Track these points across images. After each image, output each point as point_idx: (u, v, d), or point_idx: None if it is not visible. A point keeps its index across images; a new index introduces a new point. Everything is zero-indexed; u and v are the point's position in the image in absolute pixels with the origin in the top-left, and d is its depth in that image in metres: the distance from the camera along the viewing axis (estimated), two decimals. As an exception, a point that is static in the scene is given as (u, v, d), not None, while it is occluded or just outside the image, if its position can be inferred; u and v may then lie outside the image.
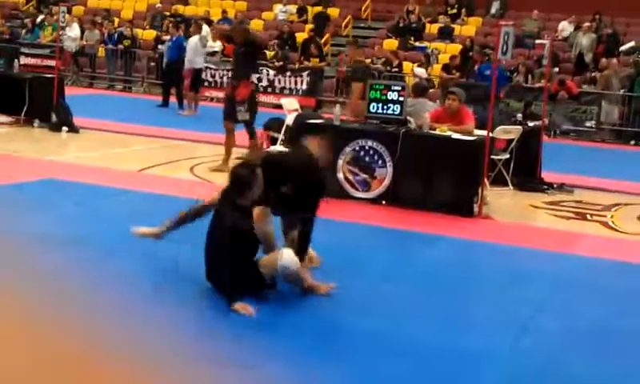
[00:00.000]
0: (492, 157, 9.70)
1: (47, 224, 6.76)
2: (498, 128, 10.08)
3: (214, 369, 4.10)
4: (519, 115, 12.53)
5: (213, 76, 20.73)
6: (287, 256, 5.16)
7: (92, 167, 10.01)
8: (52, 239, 6.23)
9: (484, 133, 9.23)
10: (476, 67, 19.05)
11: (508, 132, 10.40)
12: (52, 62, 14.58)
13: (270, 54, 21.67)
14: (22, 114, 13.17)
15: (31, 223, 6.75)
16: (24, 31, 23.14)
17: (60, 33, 15.77)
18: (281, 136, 10.60)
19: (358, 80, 11.35)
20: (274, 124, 11.70)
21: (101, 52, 22.86)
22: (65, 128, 12.89)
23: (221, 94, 20.91)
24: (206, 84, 20.19)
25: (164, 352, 4.28)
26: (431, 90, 14.83)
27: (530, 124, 11.77)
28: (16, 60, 14.27)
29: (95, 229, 5.64)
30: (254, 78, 13.09)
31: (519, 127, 10.80)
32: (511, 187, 10.56)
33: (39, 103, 13.13)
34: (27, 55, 19.27)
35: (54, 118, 13.02)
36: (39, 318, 4.56)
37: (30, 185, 8.51)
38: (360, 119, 9.68)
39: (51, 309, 4.72)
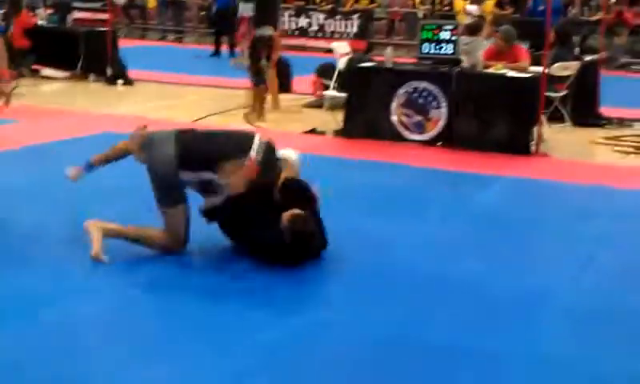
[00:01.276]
0: (548, 93, 9.53)
1: (107, 177, 6.89)
2: (555, 64, 9.88)
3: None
4: (576, 49, 12.25)
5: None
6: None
7: (148, 119, 10.11)
8: (113, 191, 6.35)
9: (539, 69, 9.08)
10: (529, 2, 18.61)
11: (566, 68, 10.18)
12: (104, 16, 14.69)
13: (319, -3, 21.51)
14: (78, 68, 13.35)
15: (90, 176, 6.89)
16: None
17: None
18: (333, 81, 10.55)
19: None
20: (326, 69, 11.65)
21: (151, 3, 22.94)
22: (120, 81, 13.04)
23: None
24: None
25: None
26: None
27: (588, 58, 11.50)
28: (69, 15, 14.43)
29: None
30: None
31: (577, 63, 10.56)
32: (569, 123, 10.38)
33: (94, 57, 13.30)
34: (79, 10, 19.48)
35: (109, 71, 13.18)
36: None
37: (88, 139, 8.65)
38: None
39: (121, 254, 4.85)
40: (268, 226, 4.88)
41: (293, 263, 4.85)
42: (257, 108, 10.37)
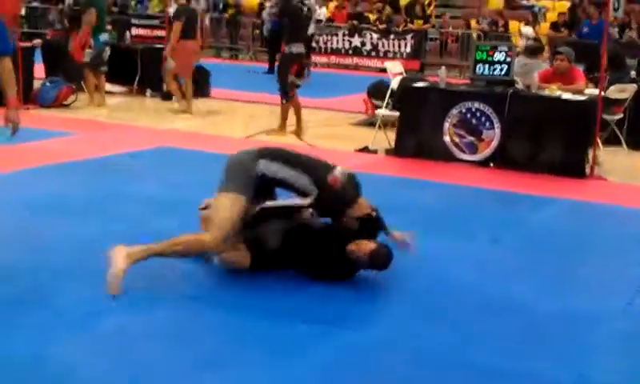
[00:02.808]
0: (604, 116, 9.42)
1: (160, 190, 7.02)
2: (612, 87, 9.77)
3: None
4: (633, 72, 12.07)
5: (317, 42, 20.75)
6: None
7: (202, 134, 10.27)
8: (165, 203, 6.46)
9: (595, 91, 8.99)
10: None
11: (622, 90, 10.06)
12: (161, 32, 14.92)
13: (372, 17, 21.56)
14: (135, 83, 13.59)
15: (145, 189, 7.03)
16: (133, 2, 23.76)
17: (168, 3, 16.14)
18: (386, 100, 10.57)
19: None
20: (377, 88, 11.68)
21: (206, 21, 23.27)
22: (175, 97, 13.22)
23: (325, 60, 21.10)
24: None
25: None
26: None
27: (645, 81, 11.33)
28: (127, 31, 14.71)
29: (204, 194, 5.83)
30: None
31: (634, 85, 10.42)
32: (625, 147, 10.24)
33: (151, 73, 13.54)
34: (137, 26, 19.81)
35: (165, 87, 13.39)
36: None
37: (145, 153, 8.81)
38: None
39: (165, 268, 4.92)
40: (331, 254, 4.89)
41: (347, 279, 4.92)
42: (282, 123, 10.49)
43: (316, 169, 4.88)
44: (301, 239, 4.98)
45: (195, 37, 12.25)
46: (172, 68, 12.00)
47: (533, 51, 10.48)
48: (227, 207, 4.65)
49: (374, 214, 4.95)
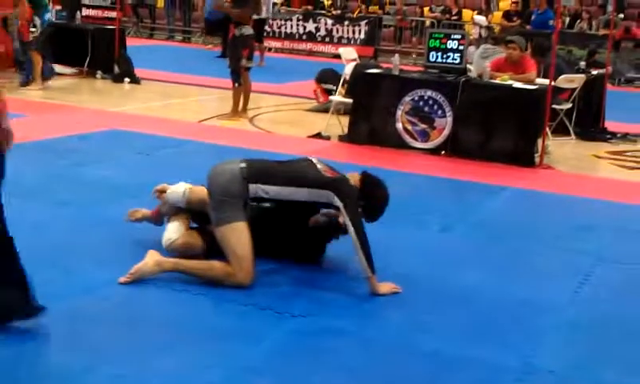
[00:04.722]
0: (554, 106, 9.56)
1: (110, 173, 6.94)
2: (560, 77, 9.92)
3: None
4: (582, 63, 12.29)
5: (271, 26, 20.64)
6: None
7: (153, 118, 10.17)
8: (116, 186, 6.40)
9: (546, 81, 9.12)
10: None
11: (571, 80, 10.22)
12: (113, 14, 14.76)
13: (327, 2, 21.53)
14: (85, 65, 13.40)
15: (95, 172, 6.94)
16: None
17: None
18: (338, 87, 10.59)
19: None
20: (327, 75, 11.70)
21: (160, 3, 23.00)
22: (127, 79, 13.08)
23: (279, 45, 21.03)
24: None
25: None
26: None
27: (594, 72, 11.54)
28: (78, 12, 14.48)
29: (156, 178, 5.78)
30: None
31: (582, 75, 10.59)
32: (573, 137, 10.41)
33: (102, 55, 13.35)
34: (88, 7, 19.53)
35: (116, 69, 13.24)
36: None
37: (95, 135, 8.70)
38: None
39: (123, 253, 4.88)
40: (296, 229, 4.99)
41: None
42: (234, 107, 10.43)
43: (307, 174, 4.76)
44: (263, 223, 4.94)
45: None
46: None
47: (499, 39, 10.67)
48: (238, 241, 4.58)
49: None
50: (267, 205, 5.00)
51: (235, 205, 4.62)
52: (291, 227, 5.06)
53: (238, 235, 4.58)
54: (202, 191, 4.93)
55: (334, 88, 10.96)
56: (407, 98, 9.03)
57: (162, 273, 4.61)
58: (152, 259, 4.62)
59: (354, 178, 4.88)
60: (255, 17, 17.19)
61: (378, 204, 4.89)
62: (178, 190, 5.07)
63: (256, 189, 4.65)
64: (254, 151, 5.61)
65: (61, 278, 4.53)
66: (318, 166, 4.84)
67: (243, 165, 4.72)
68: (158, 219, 5.24)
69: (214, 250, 4.83)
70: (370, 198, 4.85)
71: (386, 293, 4.66)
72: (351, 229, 4.60)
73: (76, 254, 4.89)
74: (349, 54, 11.71)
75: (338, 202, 4.64)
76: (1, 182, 3.74)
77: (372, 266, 4.60)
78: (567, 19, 19.57)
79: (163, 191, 5.19)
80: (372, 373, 3.73)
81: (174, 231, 4.99)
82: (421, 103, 8.97)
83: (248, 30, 10.27)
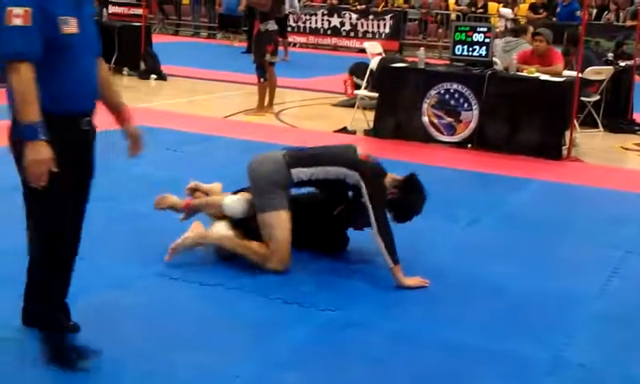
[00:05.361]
0: (582, 98, 9.49)
1: (138, 169, 6.98)
2: (588, 69, 9.83)
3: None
4: (610, 55, 12.16)
5: (296, 21, 20.64)
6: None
7: (180, 114, 10.22)
8: (145, 183, 6.43)
9: (573, 74, 9.04)
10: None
11: (598, 72, 10.13)
12: (139, 10, 14.84)
13: (352, -3, 21.49)
14: (112, 62, 13.48)
15: (122, 168, 6.98)
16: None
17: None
18: (364, 82, 10.57)
19: None
20: (360, 69, 11.67)
21: (185, -1, 23.11)
22: (153, 76, 13.16)
23: (303, 39, 21.02)
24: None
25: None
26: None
27: (622, 64, 11.42)
28: (104, 9, 14.58)
29: (183, 173, 5.81)
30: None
31: (610, 67, 10.49)
32: (601, 129, 10.32)
33: (128, 51, 13.44)
34: (114, 4, 19.66)
35: (142, 65, 13.31)
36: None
37: (122, 132, 8.73)
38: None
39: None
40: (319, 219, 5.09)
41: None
42: (259, 102, 10.44)
43: (342, 155, 4.89)
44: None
45: None
46: None
47: (518, 31, 10.58)
48: (280, 227, 4.70)
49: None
50: (297, 193, 5.04)
51: (280, 193, 4.75)
52: (317, 217, 5.10)
53: (280, 222, 4.71)
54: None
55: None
56: (433, 92, 8.99)
57: (202, 244, 4.79)
58: (195, 232, 4.81)
59: (396, 178, 4.89)
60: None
61: (410, 206, 4.89)
62: (236, 204, 4.99)
63: (297, 173, 4.78)
64: (281, 146, 5.58)
65: (89, 271, 4.54)
66: (358, 151, 4.90)
67: (285, 152, 4.89)
68: (190, 214, 5.23)
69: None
70: (405, 197, 4.86)
71: (412, 286, 4.65)
72: (371, 213, 4.64)
73: (104, 248, 4.92)
74: (374, 48, 11.68)
75: (362, 183, 4.69)
76: (89, 182, 3.68)
77: (394, 256, 4.61)
78: (594, 11, 19.38)
79: (196, 189, 5.23)
80: (399, 366, 3.73)
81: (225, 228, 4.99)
82: (447, 96, 8.93)
83: (272, 26, 10.27)
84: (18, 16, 3.11)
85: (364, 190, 4.68)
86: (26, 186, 3.28)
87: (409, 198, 4.87)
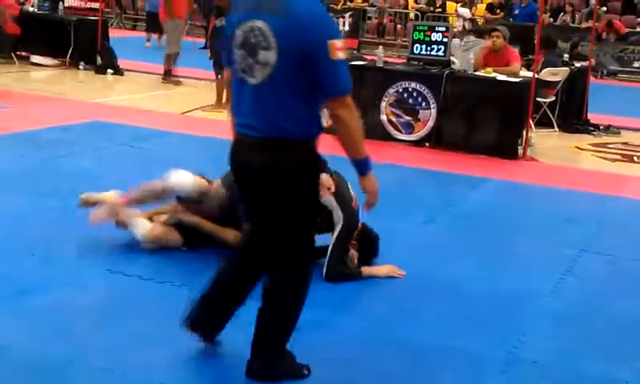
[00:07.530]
0: (537, 98, 9.59)
1: (92, 165, 6.89)
2: (544, 70, 9.94)
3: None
4: (566, 56, 12.31)
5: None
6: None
7: (136, 109, 10.11)
8: (98, 179, 6.35)
9: (529, 74, 9.13)
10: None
11: (554, 73, 10.25)
12: (96, 5, 14.64)
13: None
14: (68, 56, 13.30)
15: (76, 164, 6.90)
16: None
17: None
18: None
19: None
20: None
21: (143, -6, 22.87)
22: (109, 70, 13.00)
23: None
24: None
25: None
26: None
27: (577, 65, 11.57)
28: (60, 2, 14.34)
29: (138, 170, 5.74)
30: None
31: (566, 68, 10.63)
32: (557, 129, 10.44)
33: (84, 46, 13.26)
34: (70, -3, 19.35)
35: (98, 60, 13.15)
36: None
37: (76, 127, 8.64)
38: None
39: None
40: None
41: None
42: (217, 99, 10.41)
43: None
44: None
45: None
46: None
47: (481, 32, 10.67)
48: None
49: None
50: None
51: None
52: None
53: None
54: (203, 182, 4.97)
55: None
56: (391, 90, 9.02)
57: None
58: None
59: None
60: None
61: (369, 254, 5.04)
62: (184, 177, 4.95)
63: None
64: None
65: (41, 268, 4.50)
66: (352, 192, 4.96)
67: None
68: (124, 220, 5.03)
69: (194, 243, 4.85)
70: (363, 249, 5.02)
71: (384, 275, 4.83)
72: (335, 236, 4.78)
73: (56, 245, 4.85)
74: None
75: (340, 222, 4.79)
76: None
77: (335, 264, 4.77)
78: (548, 14, 19.59)
79: (87, 200, 5.11)
80: (361, 365, 3.72)
81: (146, 224, 4.96)
82: (405, 95, 8.96)
83: None
84: (341, 49, 3.19)
85: (338, 228, 4.78)
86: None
87: (366, 249, 5.04)
